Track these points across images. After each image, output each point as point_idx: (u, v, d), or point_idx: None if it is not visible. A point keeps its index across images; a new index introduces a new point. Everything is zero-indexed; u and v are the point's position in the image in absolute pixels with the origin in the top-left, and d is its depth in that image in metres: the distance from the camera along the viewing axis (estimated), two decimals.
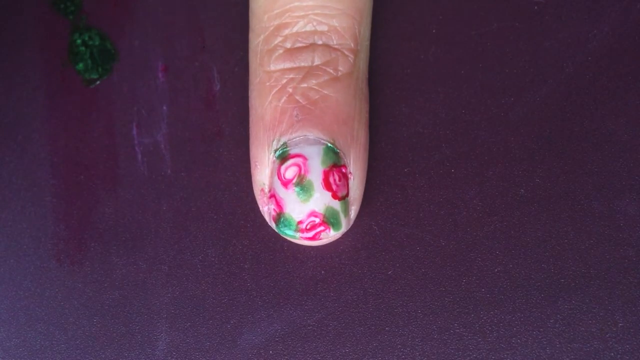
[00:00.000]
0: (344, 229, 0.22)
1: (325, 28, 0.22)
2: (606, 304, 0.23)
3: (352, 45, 0.22)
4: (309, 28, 0.22)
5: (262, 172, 0.22)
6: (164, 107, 0.25)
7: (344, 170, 0.22)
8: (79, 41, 0.25)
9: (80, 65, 0.25)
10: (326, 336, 0.24)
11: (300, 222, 0.21)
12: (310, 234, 0.22)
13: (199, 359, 0.24)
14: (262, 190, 0.22)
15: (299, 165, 0.21)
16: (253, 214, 0.24)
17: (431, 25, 0.25)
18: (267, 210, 0.22)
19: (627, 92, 0.24)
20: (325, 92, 0.22)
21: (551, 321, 0.23)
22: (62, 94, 0.25)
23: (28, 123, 0.25)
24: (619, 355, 0.23)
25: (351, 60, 0.22)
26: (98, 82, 0.25)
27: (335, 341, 0.24)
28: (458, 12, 0.25)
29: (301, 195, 0.21)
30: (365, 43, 0.23)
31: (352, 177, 0.22)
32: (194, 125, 0.25)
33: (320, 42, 0.22)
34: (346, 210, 0.22)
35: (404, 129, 0.24)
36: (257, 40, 0.22)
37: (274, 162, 0.22)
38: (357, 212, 0.23)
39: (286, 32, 0.22)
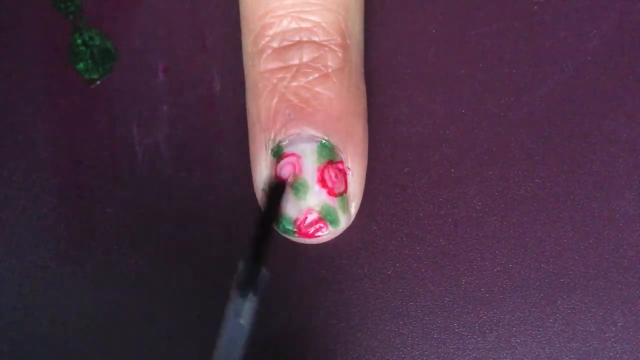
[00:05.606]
0: (343, 225, 0.22)
1: (308, 25, 0.22)
2: (605, 304, 0.23)
3: (340, 40, 0.22)
4: (293, 26, 0.22)
5: (262, 173, 0.22)
6: (165, 107, 0.25)
7: (340, 167, 0.22)
8: (79, 41, 0.25)
9: (81, 65, 0.25)
10: (326, 336, 0.24)
11: (297, 221, 0.21)
12: (309, 232, 0.22)
13: (200, 359, 0.24)
14: (264, 190, 0.22)
15: (292, 164, 0.21)
16: (253, 214, 0.24)
17: (431, 25, 0.25)
18: None
19: (627, 92, 0.24)
20: (317, 89, 0.22)
21: (550, 321, 0.23)
22: (63, 94, 0.25)
23: (28, 123, 0.25)
24: (618, 355, 0.23)
25: (340, 55, 0.22)
26: (98, 82, 0.25)
27: (336, 341, 0.24)
28: (458, 12, 0.25)
29: (297, 194, 0.21)
30: (357, 37, 0.23)
31: (350, 173, 0.22)
32: (194, 125, 0.25)
33: (306, 39, 0.22)
34: (345, 207, 0.22)
35: (404, 129, 0.24)
36: (247, 42, 0.22)
37: (271, 162, 0.22)
38: (357, 207, 0.23)
39: (271, 32, 0.22)
